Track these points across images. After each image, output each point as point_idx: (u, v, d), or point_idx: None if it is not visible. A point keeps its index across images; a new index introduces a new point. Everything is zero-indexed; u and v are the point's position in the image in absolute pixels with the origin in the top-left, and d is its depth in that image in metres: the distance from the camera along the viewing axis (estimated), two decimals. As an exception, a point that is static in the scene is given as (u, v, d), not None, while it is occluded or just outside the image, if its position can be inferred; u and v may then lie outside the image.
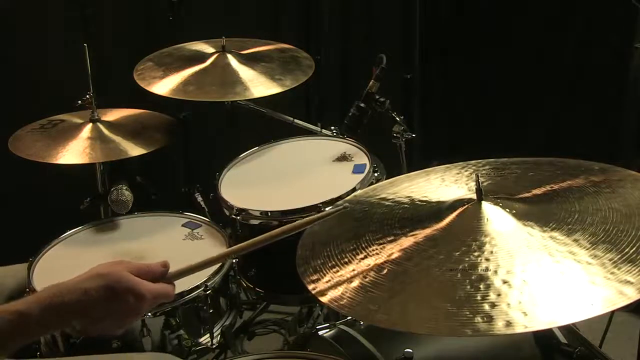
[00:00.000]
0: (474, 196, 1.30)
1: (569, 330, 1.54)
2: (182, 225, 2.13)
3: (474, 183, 1.30)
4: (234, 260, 1.97)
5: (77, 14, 2.80)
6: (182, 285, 1.71)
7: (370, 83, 2.31)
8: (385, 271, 1.21)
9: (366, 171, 2.14)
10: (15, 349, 1.19)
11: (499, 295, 1.10)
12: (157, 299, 1.26)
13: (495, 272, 1.14)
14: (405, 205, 1.40)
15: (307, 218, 1.35)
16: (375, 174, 2.13)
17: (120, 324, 1.24)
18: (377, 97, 2.30)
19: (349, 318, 1.61)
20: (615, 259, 1.13)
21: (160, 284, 1.26)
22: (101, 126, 2.28)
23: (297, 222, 1.34)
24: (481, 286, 1.12)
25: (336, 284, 1.22)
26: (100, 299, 1.19)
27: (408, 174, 1.56)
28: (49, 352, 1.85)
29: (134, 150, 2.21)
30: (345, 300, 1.18)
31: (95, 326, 1.22)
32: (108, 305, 1.20)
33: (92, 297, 1.19)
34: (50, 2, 2.78)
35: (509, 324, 1.05)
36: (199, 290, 1.88)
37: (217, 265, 1.92)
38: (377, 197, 1.48)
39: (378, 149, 2.28)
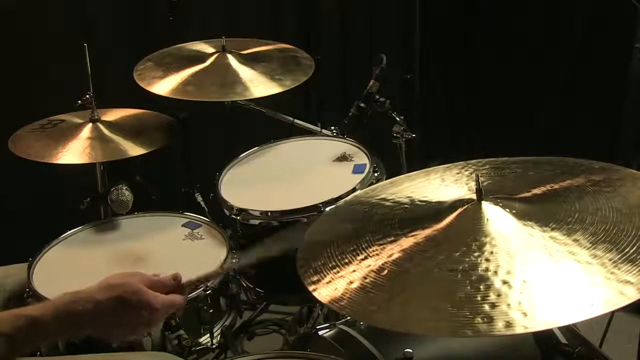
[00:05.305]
0: (474, 196, 1.30)
1: (569, 330, 1.54)
2: (182, 225, 2.13)
3: (474, 183, 1.30)
4: (233, 261, 1.96)
5: (77, 14, 2.80)
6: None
7: (370, 83, 2.31)
8: (385, 272, 1.21)
9: (366, 171, 2.14)
10: (28, 352, 1.21)
11: (499, 295, 1.10)
12: (169, 310, 1.30)
13: (495, 272, 1.14)
14: (406, 206, 1.40)
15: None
16: (375, 174, 2.13)
17: (132, 333, 1.27)
18: (377, 97, 2.30)
19: (349, 318, 1.61)
20: (615, 258, 1.12)
21: (171, 294, 1.30)
22: (101, 126, 2.27)
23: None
24: (481, 287, 1.12)
25: (336, 284, 1.22)
26: (112, 310, 1.23)
27: (408, 174, 1.56)
28: (49, 351, 1.85)
29: (134, 150, 2.21)
30: (345, 301, 1.18)
31: (106, 334, 1.25)
32: (120, 316, 1.24)
33: (104, 308, 1.22)
34: (50, 2, 2.78)
35: (509, 324, 1.05)
36: (199, 290, 1.88)
37: (218, 266, 1.92)
38: (377, 197, 1.48)
39: (378, 149, 2.27)
